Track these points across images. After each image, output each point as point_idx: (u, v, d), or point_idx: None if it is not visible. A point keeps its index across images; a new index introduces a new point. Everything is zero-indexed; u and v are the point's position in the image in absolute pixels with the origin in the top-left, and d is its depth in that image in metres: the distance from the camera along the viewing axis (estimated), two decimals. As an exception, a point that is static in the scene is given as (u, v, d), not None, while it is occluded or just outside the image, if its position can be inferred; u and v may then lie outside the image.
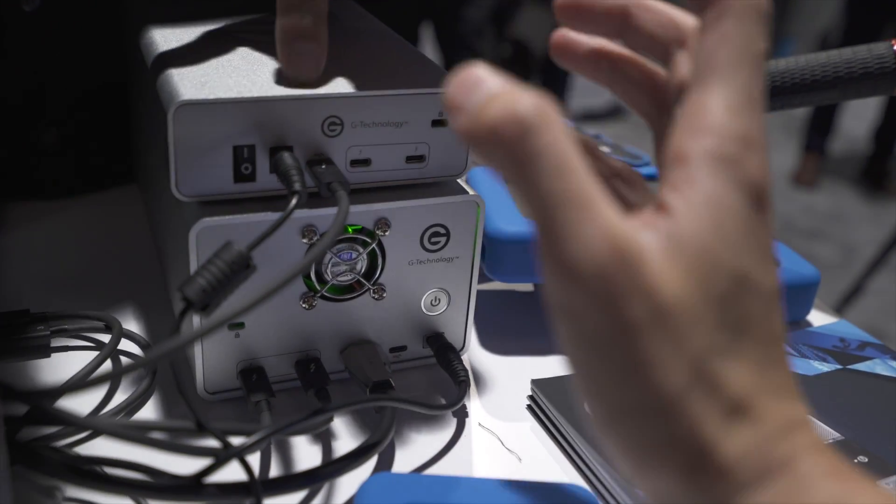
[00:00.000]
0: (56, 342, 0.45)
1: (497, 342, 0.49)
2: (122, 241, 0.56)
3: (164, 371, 0.43)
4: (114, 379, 0.41)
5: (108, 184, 0.63)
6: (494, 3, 2.24)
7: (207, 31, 0.45)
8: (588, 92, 3.29)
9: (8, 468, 0.21)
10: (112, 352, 0.43)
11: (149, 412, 0.41)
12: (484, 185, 0.51)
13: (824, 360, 0.47)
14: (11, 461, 0.33)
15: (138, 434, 0.30)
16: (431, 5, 2.19)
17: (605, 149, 0.66)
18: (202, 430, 0.32)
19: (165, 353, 0.29)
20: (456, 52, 2.24)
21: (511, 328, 0.50)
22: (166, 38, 0.44)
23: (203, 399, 0.41)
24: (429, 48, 2.32)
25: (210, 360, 0.41)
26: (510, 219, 0.47)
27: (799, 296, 0.51)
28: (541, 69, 2.55)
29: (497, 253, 0.47)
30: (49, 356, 0.44)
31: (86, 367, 0.41)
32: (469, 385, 0.43)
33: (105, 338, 0.45)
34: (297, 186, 0.36)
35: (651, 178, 0.55)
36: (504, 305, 0.53)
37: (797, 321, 0.52)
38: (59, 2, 0.56)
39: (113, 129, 0.61)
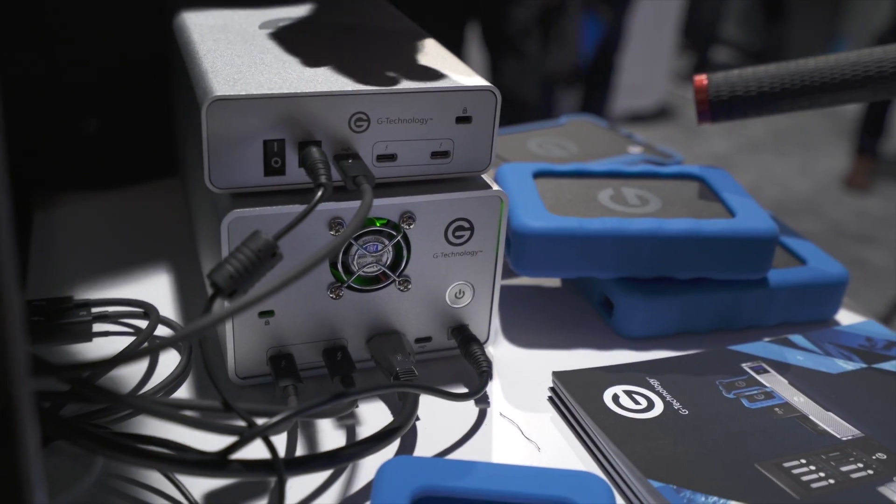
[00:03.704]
0: (97, 327, 0.47)
1: (522, 335, 0.50)
2: (163, 231, 0.59)
3: (199, 355, 0.45)
4: (144, 356, 0.43)
5: (152, 175, 0.65)
6: (542, 4, 2.23)
7: (240, 28, 0.47)
8: (635, 93, 3.28)
9: (40, 446, 0.22)
10: (149, 336, 0.45)
11: (184, 394, 0.43)
12: (511, 180, 0.52)
13: (849, 358, 0.47)
14: (55, 436, 0.35)
15: (169, 411, 0.32)
16: (478, 6, 2.20)
17: (636, 149, 0.66)
18: (229, 409, 0.34)
19: (193, 332, 0.31)
20: (503, 53, 2.25)
21: (536, 322, 0.51)
22: (201, 31, 0.46)
23: (234, 384, 0.43)
24: (475, 49, 2.33)
25: (241, 346, 0.42)
26: (535, 214, 0.48)
27: (826, 295, 0.51)
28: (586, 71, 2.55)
29: (522, 248, 0.48)
30: (90, 340, 0.47)
31: (123, 350, 0.43)
32: (490, 376, 0.44)
33: (144, 324, 0.47)
34: (322, 179, 0.37)
35: (680, 175, 0.55)
36: (530, 300, 0.54)
37: (825, 320, 0.52)
38: None
39: (156, 121, 0.63)
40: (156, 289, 0.52)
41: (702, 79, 0.55)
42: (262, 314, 0.42)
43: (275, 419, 0.34)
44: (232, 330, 0.42)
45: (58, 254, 0.56)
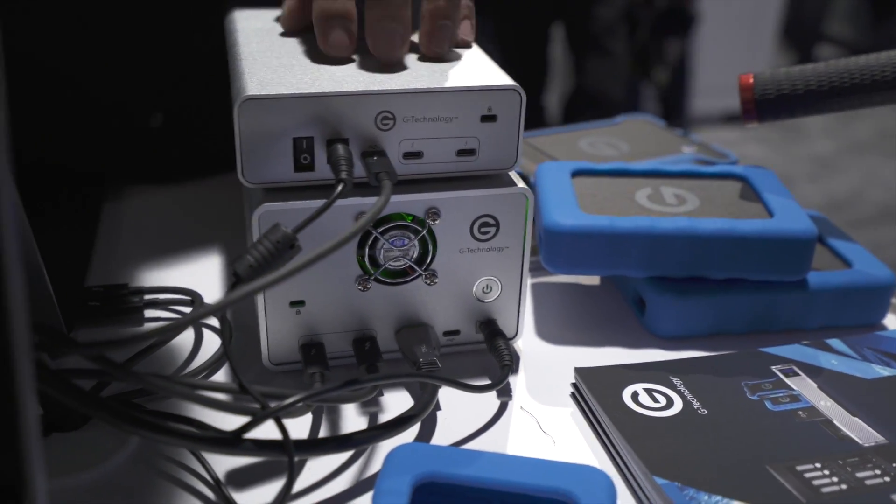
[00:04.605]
0: (149, 313, 0.51)
1: (553, 331, 0.51)
2: (220, 224, 0.62)
3: (238, 340, 0.48)
4: (163, 335, 0.44)
5: (215, 170, 0.68)
6: (627, 3, 2.21)
7: (283, 31, 0.49)
8: (731, 92, 3.20)
9: (39, 431, 0.24)
10: (189, 322, 0.48)
11: (221, 376, 0.46)
12: (549, 178, 0.52)
13: (888, 364, 0.46)
14: (93, 416, 0.37)
15: (186, 391, 0.34)
16: (562, 5, 2.19)
17: (690, 148, 0.66)
18: (244, 391, 0.36)
19: (203, 314, 0.33)
20: (587, 52, 2.24)
21: (570, 318, 0.52)
22: (247, 33, 0.49)
23: (268, 369, 0.45)
24: (559, 49, 2.33)
25: (274, 334, 0.45)
26: (567, 212, 0.48)
27: (871, 299, 0.50)
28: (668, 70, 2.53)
29: (552, 245, 0.48)
30: (142, 325, 0.50)
31: (147, 331, 0.46)
32: (512, 369, 0.45)
33: (190, 311, 0.50)
34: (343, 175, 0.39)
35: (723, 175, 0.55)
36: (567, 296, 0.54)
37: (871, 324, 0.51)
38: None
39: (218, 117, 0.66)
40: (208, 278, 0.55)
41: (748, 77, 0.54)
42: (294, 304, 0.44)
43: (285, 402, 0.36)
44: (265, 318, 0.44)
45: (122, 243, 0.60)
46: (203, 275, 0.56)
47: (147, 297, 0.51)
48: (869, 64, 0.51)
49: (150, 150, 0.66)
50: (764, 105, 0.53)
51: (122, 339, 0.32)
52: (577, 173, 0.54)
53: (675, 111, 2.70)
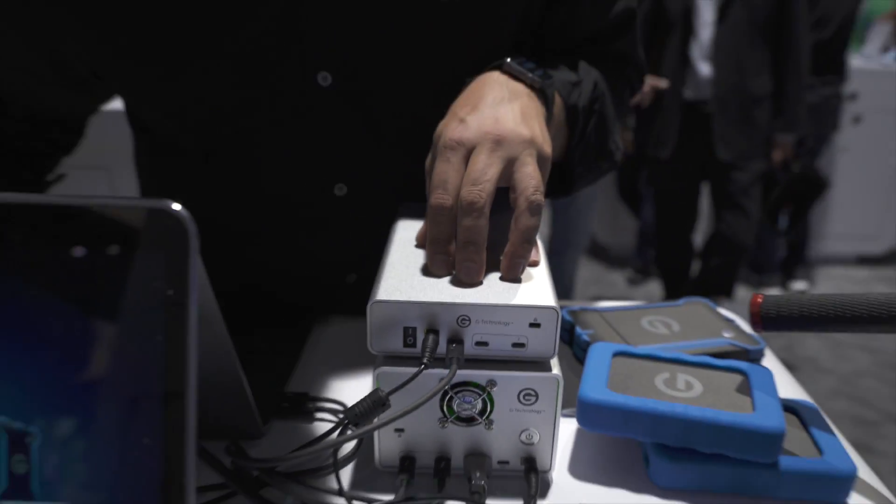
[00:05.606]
0: (318, 415, 0.61)
1: (581, 469, 0.55)
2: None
3: (367, 441, 0.56)
4: (302, 458, 0.53)
5: None
6: (762, 171, 2.16)
7: (418, 248, 0.59)
8: (866, 240, 2.95)
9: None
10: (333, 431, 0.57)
11: (346, 473, 0.55)
12: (596, 356, 0.58)
13: (832, 544, 0.46)
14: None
15: (304, 491, 0.44)
16: (708, 170, 2.18)
17: (729, 334, 0.68)
18: (342, 494, 0.45)
19: (321, 448, 0.42)
20: (725, 207, 2.20)
21: (599, 461, 0.56)
22: (400, 241, 0.59)
23: (378, 469, 0.54)
24: (706, 203, 2.30)
25: (384, 447, 0.53)
26: (596, 388, 0.53)
27: (835, 485, 0.50)
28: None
29: (582, 411, 0.53)
30: (311, 423, 0.60)
31: (313, 439, 0.56)
32: (535, 501, 0.50)
33: (343, 418, 0.60)
34: (425, 360, 0.48)
35: (729, 368, 0.57)
36: (604, 443, 0.58)
37: (835, 504, 0.51)
38: (365, 192, 0.73)
39: None
40: (364, 392, 0.65)
41: (757, 297, 0.57)
42: (397, 430, 0.53)
43: (364, 507, 0.44)
44: (378, 437, 0.53)
45: (318, 358, 0.72)
46: (364, 389, 0.65)
47: (318, 404, 0.61)
48: (855, 301, 0.52)
49: (348, 295, 0.79)
50: (767, 320, 0.56)
51: (275, 459, 0.42)
52: (617, 354, 0.59)
53: (797, 257, 2.55)
